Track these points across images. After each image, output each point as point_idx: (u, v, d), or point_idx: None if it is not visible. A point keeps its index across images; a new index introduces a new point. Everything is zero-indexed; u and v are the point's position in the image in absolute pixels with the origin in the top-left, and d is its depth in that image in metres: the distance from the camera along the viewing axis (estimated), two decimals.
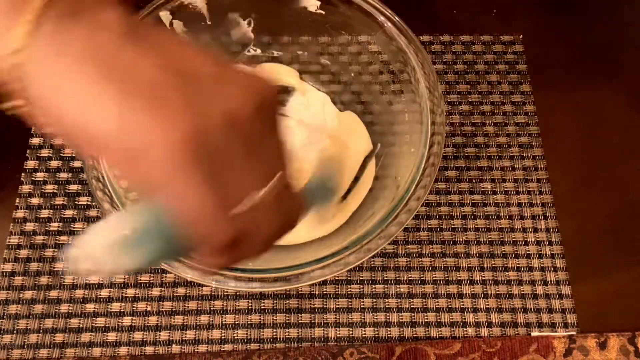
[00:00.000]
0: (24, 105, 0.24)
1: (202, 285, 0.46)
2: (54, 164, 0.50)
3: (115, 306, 0.45)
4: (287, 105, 0.52)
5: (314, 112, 0.52)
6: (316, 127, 0.51)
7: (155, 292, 0.46)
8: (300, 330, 0.45)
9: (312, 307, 0.46)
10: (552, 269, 0.47)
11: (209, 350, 0.44)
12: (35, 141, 0.51)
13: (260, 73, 0.26)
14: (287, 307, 0.46)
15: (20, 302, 0.45)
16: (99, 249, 0.24)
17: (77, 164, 0.50)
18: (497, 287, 0.47)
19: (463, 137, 0.52)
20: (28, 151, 0.51)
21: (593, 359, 0.44)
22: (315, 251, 0.41)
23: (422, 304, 0.46)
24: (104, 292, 0.46)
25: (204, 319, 0.45)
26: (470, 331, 0.45)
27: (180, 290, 0.46)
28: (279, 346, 0.44)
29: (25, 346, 0.44)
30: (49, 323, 0.45)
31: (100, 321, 0.45)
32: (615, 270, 0.48)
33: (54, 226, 0.48)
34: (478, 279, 0.47)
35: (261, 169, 0.25)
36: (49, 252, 0.47)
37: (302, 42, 0.52)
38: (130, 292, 0.46)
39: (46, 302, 0.45)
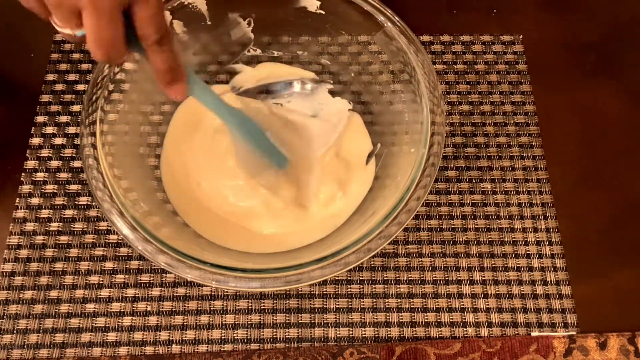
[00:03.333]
0: None
1: (202, 285, 0.46)
2: (54, 164, 0.50)
3: (115, 306, 0.45)
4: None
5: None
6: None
7: (155, 292, 0.46)
8: (300, 330, 0.45)
9: (312, 307, 0.46)
10: (552, 269, 0.47)
11: (209, 350, 0.44)
12: (35, 141, 0.51)
13: None
14: (287, 307, 0.46)
15: (20, 302, 0.45)
16: None
17: (77, 164, 0.50)
18: (497, 287, 0.47)
19: (463, 137, 0.52)
20: (28, 151, 0.51)
21: (593, 359, 0.44)
22: (315, 251, 0.41)
23: (422, 304, 0.46)
24: (104, 292, 0.46)
25: (204, 319, 0.45)
26: (470, 331, 0.45)
27: (180, 290, 0.46)
28: (279, 346, 0.44)
29: (25, 346, 0.44)
30: (49, 323, 0.45)
31: (100, 321, 0.45)
32: (615, 270, 0.48)
33: (54, 226, 0.48)
34: (478, 278, 0.47)
35: None
36: (49, 252, 0.47)
37: (302, 42, 0.52)
38: (130, 292, 0.46)
39: (46, 302, 0.45)
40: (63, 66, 0.55)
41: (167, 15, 0.45)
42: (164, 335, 0.44)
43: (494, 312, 0.46)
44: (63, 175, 0.50)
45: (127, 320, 0.45)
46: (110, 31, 0.30)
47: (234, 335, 0.45)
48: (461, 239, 0.48)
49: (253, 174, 0.46)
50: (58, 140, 0.51)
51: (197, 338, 0.44)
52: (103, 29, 0.30)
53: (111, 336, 0.44)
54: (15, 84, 0.55)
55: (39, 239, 0.47)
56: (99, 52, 0.31)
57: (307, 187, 0.47)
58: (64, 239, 0.48)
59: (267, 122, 0.47)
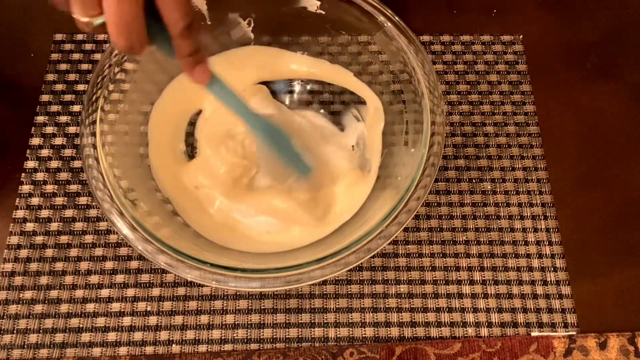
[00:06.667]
0: None
1: (202, 285, 0.46)
2: (54, 164, 0.50)
3: (115, 306, 0.45)
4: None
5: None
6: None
7: (155, 292, 0.46)
8: (300, 330, 0.45)
9: (312, 307, 0.46)
10: (552, 269, 0.47)
11: (209, 350, 0.44)
12: (35, 141, 0.51)
13: None
14: (287, 307, 0.46)
15: (20, 302, 0.45)
16: None
17: (77, 164, 0.50)
18: (497, 287, 0.47)
19: (463, 137, 0.52)
20: (28, 151, 0.51)
21: (593, 359, 0.44)
22: (315, 251, 0.41)
23: (422, 304, 0.46)
24: (104, 292, 0.46)
25: (204, 319, 0.45)
26: (470, 331, 0.45)
27: (180, 290, 0.46)
28: (279, 346, 0.44)
29: (25, 346, 0.44)
30: (49, 323, 0.45)
31: (100, 321, 0.45)
32: (615, 270, 0.48)
33: (54, 226, 0.48)
34: (478, 278, 0.47)
35: None
36: (49, 252, 0.47)
37: (302, 42, 0.52)
38: (130, 292, 0.46)
39: (46, 302, 0.45)
40: (63, 66, 0.55)
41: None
42: (164, 335, 0.44)
43: (494, 312, 0.46)
44: (63, 175, 0.50)
45: (127, 320, 0.45)
46: (131, 15, 0.29)
47: (234, 335, 0.45)
48: (461, 239, 0.48)
49: (278, 180, 0.46)
50: (58, 140, 0.51)
51: (197, 338, 0.44)
52: (125, 13, 0.29)
53: (111, 336, 0.44)
54: (15, 84, 0.55)
55: (39, 239, 0.47)
56: (121, 38, 0.30)
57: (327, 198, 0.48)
58: (64, 239, 0.48)
59: (289, 123, 0.47)
